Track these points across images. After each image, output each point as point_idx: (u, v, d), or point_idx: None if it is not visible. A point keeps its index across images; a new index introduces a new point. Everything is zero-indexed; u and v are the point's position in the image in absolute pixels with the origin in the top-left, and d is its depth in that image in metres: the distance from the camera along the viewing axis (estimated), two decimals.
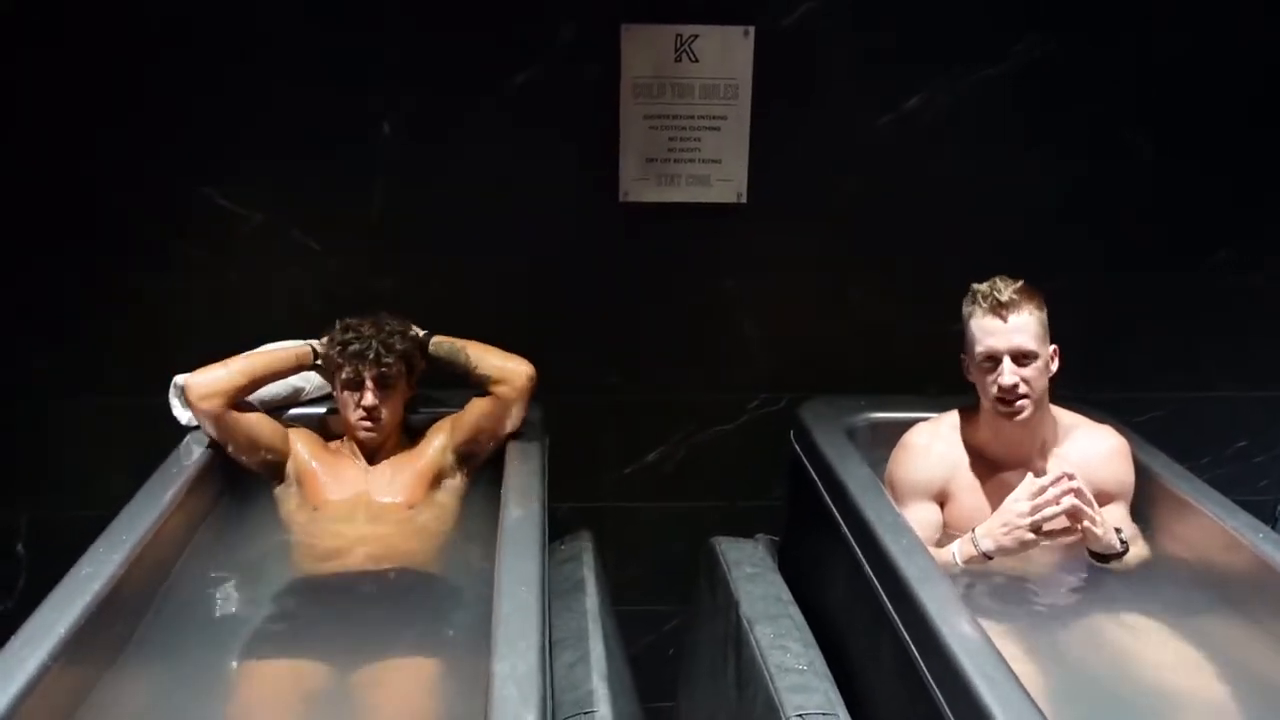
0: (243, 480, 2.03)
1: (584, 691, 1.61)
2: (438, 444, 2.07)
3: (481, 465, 2.08)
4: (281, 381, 2.09)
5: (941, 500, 1.97)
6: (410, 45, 2.25)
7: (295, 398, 2.17)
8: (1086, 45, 2.33)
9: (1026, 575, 1.84)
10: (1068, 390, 1.98)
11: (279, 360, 2.04)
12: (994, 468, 1.96)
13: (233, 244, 2.32)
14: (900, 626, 1.60)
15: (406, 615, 1.75)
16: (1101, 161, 2.41)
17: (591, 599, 1.94)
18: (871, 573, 1.74)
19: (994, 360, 1.86)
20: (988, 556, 1.80)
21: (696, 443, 2.57)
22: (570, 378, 2.43)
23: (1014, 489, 1.82)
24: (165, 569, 1.75)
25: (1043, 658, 1.63)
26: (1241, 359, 2.60)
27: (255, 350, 2.06)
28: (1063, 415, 2.00)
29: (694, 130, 2.35)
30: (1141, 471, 1.99)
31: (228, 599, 1.78)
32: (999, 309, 1.85)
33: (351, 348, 1.97)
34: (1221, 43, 2.35)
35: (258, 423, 2.00)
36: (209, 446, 2.00)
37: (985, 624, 1.50)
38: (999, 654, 1.42)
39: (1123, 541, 1.82)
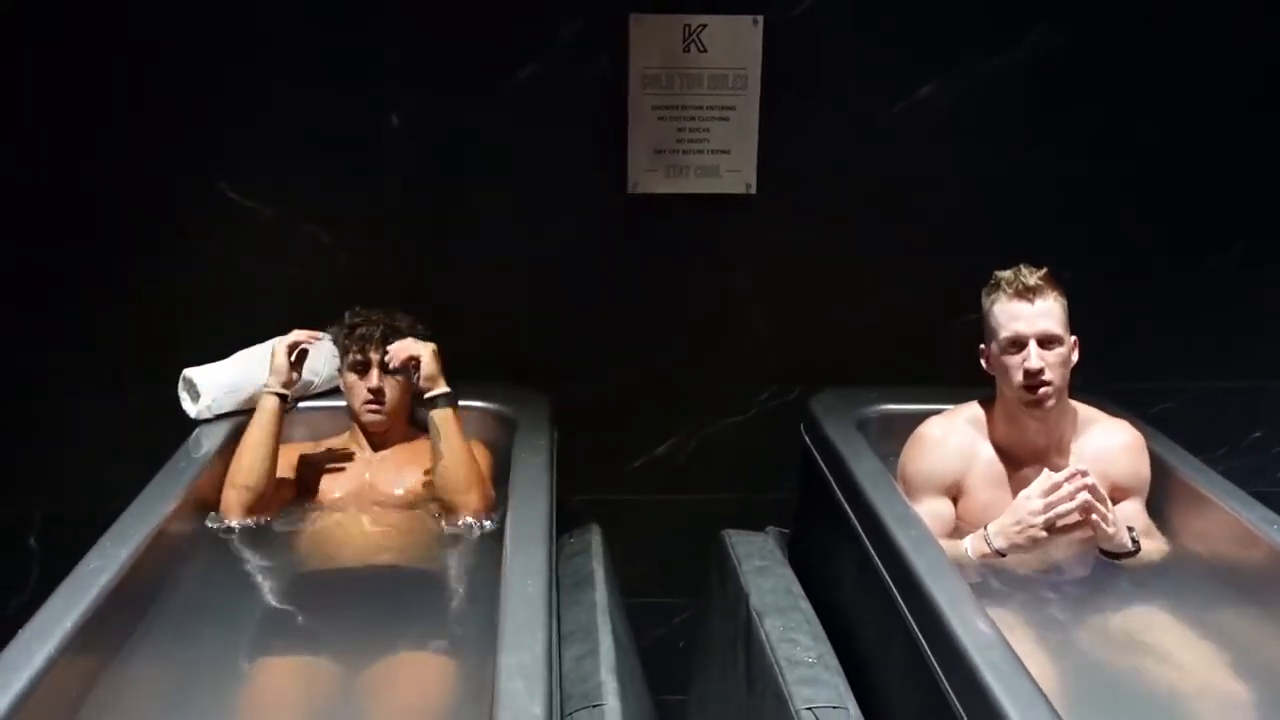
0: None
1: (593, 684, 1.61)
2: None
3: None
4: None
5: (955, 495, 1.95)
6: (422, 37, 2.25)
7: (305, 391, 2.17)
8: (1095, 40, 2.31)
9: (1039, 568, 1.83)
10: (1079, 379, 1.96)
11: (263, 435, 1.92)
12: (1010, 462, 1.94)
13: (243, 238, 2.32)
14: (911, 620, 1.59)
15: (414, 609, 1.74)
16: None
17: (600, 592, 1.94)
18: (882, 566, 1.73)
19: (1019, 345, 1.84)
20: (1001, 554, 1.79)
21: (706, 435, 2.56)
22: (579, 369, 2.43)
23: (1029, 484, 1.81)
24: (173, 563, 1.75)
25: (1054, 651, 1.62)
26: (1256, 349, 2.57)
27: (238, 448, 1.94)
28: (1080, 409, 1.98)
29: (703, 121, 2.34)
30: (1157, 464, 1.97)
31: (234, 592, 1.78)
32: (1026, 293, 1.84)
33: (359, 330, 2.01)
34: (1223, 42, 2.34)
35: (280, 487, 1.98)
36: (218, 441, 2.01)
37: (996, 617, 1.49)
38: (1010, 648, 1.41)
39: (1134, 540, 1.80)
